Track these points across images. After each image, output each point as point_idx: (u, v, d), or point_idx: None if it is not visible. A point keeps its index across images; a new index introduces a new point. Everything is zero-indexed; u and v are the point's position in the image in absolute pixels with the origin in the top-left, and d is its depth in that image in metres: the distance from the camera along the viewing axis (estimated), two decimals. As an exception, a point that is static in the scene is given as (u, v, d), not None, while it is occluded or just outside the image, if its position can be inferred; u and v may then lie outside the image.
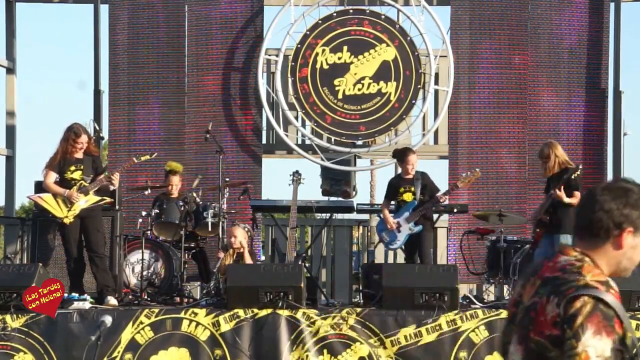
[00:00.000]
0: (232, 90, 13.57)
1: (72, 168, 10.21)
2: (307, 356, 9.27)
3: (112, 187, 10.40)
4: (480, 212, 12.07)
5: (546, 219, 10.14)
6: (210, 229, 11.11)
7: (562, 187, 10.04)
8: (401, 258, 12.60)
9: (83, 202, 10.14)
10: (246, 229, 10.74)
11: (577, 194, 10.11)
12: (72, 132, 10.21)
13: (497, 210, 11.54)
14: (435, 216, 11.32)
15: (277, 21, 13.39)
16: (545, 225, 10.18)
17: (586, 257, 3.31)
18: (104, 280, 10.16)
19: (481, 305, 10.05)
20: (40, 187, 10.79)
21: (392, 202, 11.08)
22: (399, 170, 11.59)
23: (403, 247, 11.12)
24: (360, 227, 14.04)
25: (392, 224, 10.92)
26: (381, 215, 11.19)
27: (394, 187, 11.07)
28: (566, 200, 10.04)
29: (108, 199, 10.41)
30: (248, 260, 10.50)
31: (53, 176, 10.21)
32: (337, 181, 13.84)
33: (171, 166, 11.74)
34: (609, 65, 13.53)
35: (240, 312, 9.35)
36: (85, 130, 10.31)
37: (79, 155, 10.24)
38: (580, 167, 10.19)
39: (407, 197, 10.91)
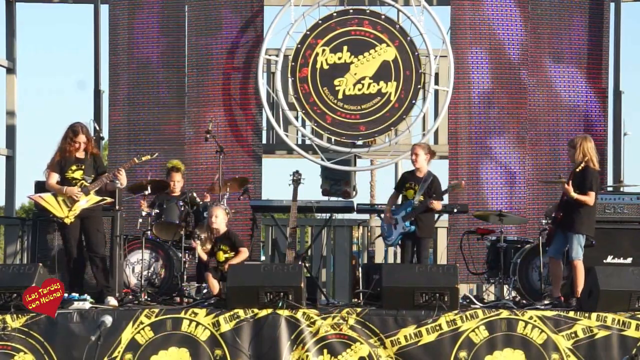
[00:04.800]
0: (232, 90, 13.57)
1: (73, 167, 10.20)
2: (307, 356, 9.27)
3: (119, 186, 10.34)
4: (480, 212, 12.07)
5: (560, 217, 10.11)
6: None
7: (571, 182, 10.00)
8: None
9: (84, 202, 10.13)
10: (226, 210, 10.69)
11: (592, 193, 10.06)
12: (71, 131, 10.20)
13: (497, 210, 11.55)
14: (435, 216, 11.30)
15: (277, 21, 13.40)
16: (558, 222, 10.14)
17: None
18: (104, 280, 10.16)
19: (481, 305, 10.05)
20: (40, 187, 10.80)
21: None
22: (403, 170, 11.56)
23: (399, 243, 11.07)
24: (360, 227, 14.04)
25: (389, 218, 10.96)
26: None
27: (403, 180, 11.10)
28: (573, 195, 9.99)
29: (109, 199, 10.40)
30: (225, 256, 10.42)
31: (55, 177, 10.20)
32: (337, 181, 13.85)
33: (173, 163, 11.76)
34: (609, 65, 13.53)
35: (240, 312, 9.35)
36: (85, 130, 10.26)
37: (80, 154, 10.23)
38: (590, 164, 10.09)
39: (409, 194, 10.92)
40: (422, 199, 10.81)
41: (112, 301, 9.95)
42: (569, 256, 10.09)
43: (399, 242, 10.98)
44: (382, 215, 11.23)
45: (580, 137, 10.37)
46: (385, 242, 11.32)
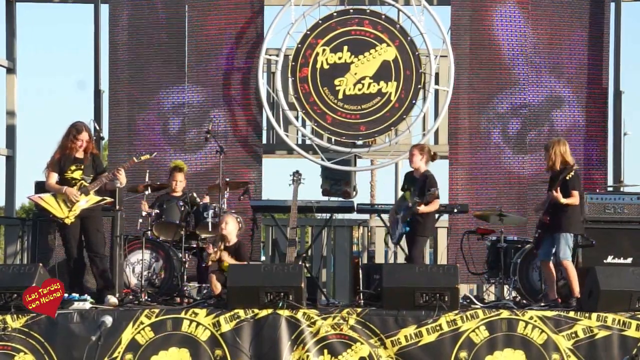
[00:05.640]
0: (232, 90, 13.57)
1: (73, 167, 10.20)
2: (307, 356, 9.27)
3: (119, 185, 10.34)
4: (480, 212, 12.07)
5: (547, 220, 10.15)
6: (210, 229, 11.12)
7: (558, 188, 10.05)
8: (401, 258, 12.62)
9: (83, 202, 10.13)
10: (238, 219, 10.70)
11: (575, 193, 10.11)
12: (74, 128, 10.21)
13: (497, 210, 11.54)
14: (436, 216, 11.27)
15: (277, 21, 13.39)
16: (546, 226, 10.18)
17: None
18: (104, 280, 10.16)
19: (481, 305, 10.05)
20: (40, 187, 10.79)
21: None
22: (403, 170, 11.57)
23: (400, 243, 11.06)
24: (361, 227, 14.04)
25: (390, 220, 11.01)
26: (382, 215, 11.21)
27: (404, 180, 11.06)
28: (562, 200, 10.04)
29: (108, 199, 10.40)
30: (228, 258, 10.37)
31: (54, 177, 10.20)
32: (337, 181, 13.84)
33: (176, 163, 11.82)
34: (609, 65, 13.53)
35: (241, 312, 9.35)
36: (88, 129, 10.28)
37: (80, 154, 10.23)
38: (575, 167, 10.16)
39: (407, 195, 10.89)
40: (418, 200, 10.71)
41: (112, 299, 9.95)
42: (557, 257, 10.10)
43: (400, 242, 10.97)
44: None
45: (555, 140, 10.41)
46: (391, 240, 11.33)
